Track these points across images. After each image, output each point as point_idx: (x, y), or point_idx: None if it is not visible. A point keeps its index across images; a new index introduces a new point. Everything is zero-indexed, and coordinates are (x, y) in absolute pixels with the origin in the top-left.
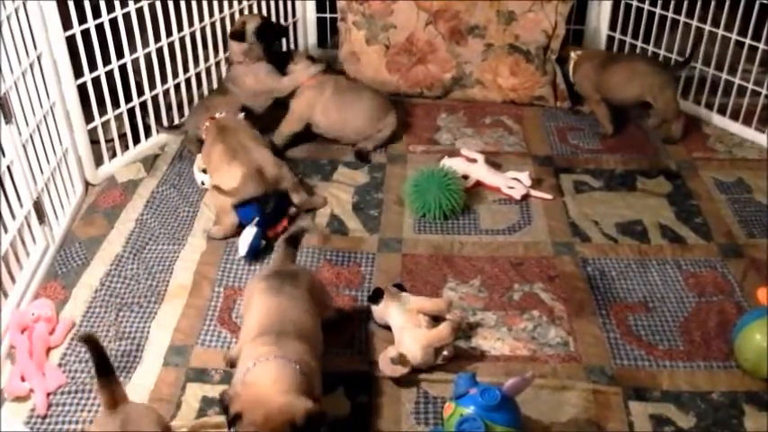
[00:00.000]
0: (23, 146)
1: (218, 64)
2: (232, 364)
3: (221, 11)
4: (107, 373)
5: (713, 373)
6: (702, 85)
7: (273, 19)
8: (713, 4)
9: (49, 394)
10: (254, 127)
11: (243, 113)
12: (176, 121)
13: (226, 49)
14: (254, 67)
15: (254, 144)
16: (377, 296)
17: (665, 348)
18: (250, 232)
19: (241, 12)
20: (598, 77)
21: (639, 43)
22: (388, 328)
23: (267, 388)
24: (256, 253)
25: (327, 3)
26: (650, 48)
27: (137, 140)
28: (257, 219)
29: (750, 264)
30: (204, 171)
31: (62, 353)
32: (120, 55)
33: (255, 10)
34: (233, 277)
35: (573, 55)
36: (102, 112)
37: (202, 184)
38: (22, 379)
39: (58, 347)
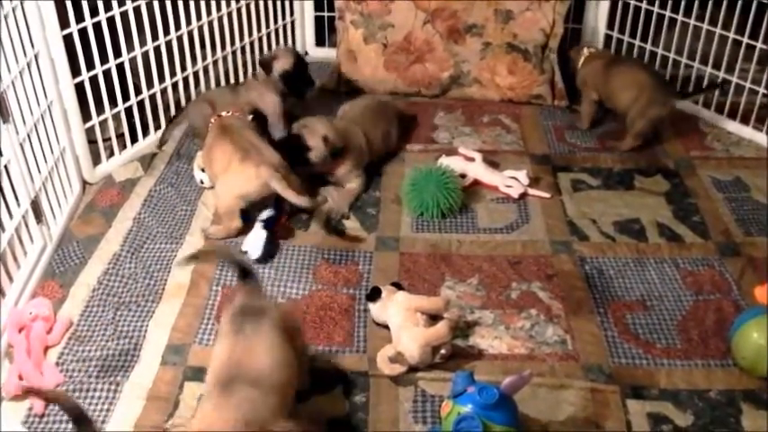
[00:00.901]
0: (21, 145)
1: (215, 62)
2: None
3: (219, 9)
4: (85, 425)
5: (711, 372)
6: (700, 83)
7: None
8: (711, 2)
9: None
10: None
11: (251, 116)
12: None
13: (224, 48)
14: (267, 86)
15: (263, 144)
16: (375, 295)
17: (663, 347)
18: (260, 235)
19: (239, 11)
20: (603, 78)
21: (637, 42)
22: (386, 326)
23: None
24: (270, 255)
25: (325, 1)
26: (648, 46)
27: (134, 139)
28: (263, 221)
29: (747, 262)
30: (204, 170)
31: (60, 352)
32: (117, 54)
33: (253, 9)
34: (231, 276)
35: (585, 51)
36: (100, 111)
37: (201, 182)
38: (20, 378)
39: (56, 346)
